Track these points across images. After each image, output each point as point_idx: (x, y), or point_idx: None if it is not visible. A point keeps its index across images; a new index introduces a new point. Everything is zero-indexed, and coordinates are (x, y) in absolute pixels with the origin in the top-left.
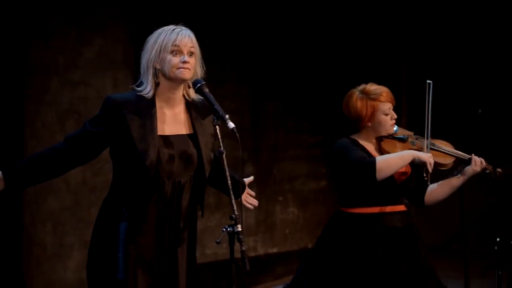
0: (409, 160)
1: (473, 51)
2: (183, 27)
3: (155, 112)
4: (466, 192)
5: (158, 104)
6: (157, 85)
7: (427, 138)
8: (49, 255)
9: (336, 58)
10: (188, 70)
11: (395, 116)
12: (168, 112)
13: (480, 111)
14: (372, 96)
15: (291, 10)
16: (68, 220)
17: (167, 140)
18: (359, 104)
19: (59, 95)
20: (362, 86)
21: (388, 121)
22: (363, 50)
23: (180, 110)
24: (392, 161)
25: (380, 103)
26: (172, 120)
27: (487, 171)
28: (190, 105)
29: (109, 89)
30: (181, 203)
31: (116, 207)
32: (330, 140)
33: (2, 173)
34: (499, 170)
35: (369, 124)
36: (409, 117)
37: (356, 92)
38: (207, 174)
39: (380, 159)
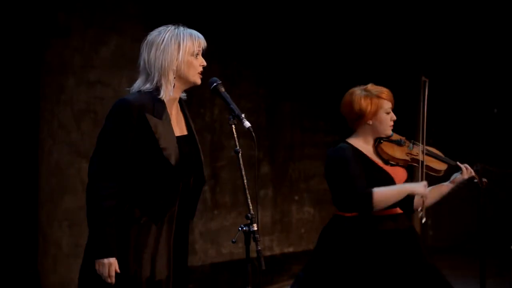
0: (405, 195)
1: (489, 51)
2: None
3: (167, 112)
4: (482, 192)
5: (165, 103)
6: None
7: (423, 144)
8: (64, 254)
9: (352, 58)
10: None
11: (395, 118)
12: (172, 112)
13: (495, 110)
14: (376, 94)
15: (307, 11)
16: (84, 220)
17: (178, 141)
18: (363, 101)
19: (76, 94)
20: (362, 86)
21: (388, 120)
22: (379, 50)
23: (177, 110)
24: (389, 195)
25: (384, 101)
26: (176, 121)
27: (475, 180)
28: (182, 105)
29: (126, 88)
30: (188, 203)
31: (127, 209)
32: (346, 139)
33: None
34: (484, 180)
35: (370, 122)
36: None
37: (358, 90)
38: (205, 174)
39: (378, 192)
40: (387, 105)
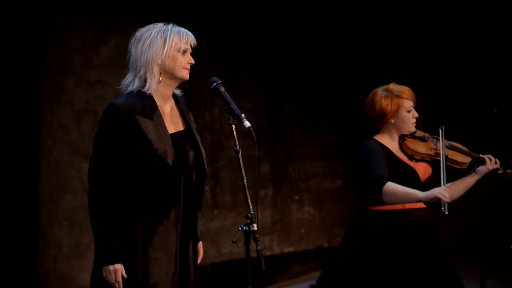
0: (413, 200)
1: (489, 50)
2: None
3: (159, 111)
4: (482, 192)
5: (156, 101)
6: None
7: (442, 141)
8: (64, 254)
9: (352, 57)
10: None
11: (417, 115)
12: (165, 109)
13: (495, 110)
14: (396, 94)
15: (308, 10)
16: (84, 220)
17: (174, 138)
18: (383, 101)
19: (76, 94)
20: (385, 86)
21: (410, 118)
22: (379, 50)
23: (172, 106)
24: (398, 193)
25: (404, 101)
26: (170, 117)
27: (500, 171)
28: (177, 101)
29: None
30: (191, 199)
31: (130, 210)
32: (346, 139)
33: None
34: (509, 171)
35: (392, 121)
36: (425, 115)
37: (379, 90)
38: (207, 169)
39: (390, 186)
40: (408, 104)
